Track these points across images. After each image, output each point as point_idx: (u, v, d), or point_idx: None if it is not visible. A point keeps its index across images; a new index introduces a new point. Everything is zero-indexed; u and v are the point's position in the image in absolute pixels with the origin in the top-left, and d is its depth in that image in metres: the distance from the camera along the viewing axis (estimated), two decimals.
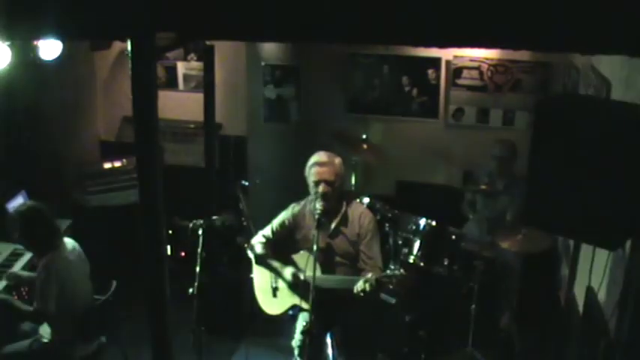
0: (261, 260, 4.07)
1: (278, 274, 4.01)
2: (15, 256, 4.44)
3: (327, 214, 3.85)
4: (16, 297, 4.08)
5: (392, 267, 4.55)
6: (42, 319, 3.92)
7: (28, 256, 4.39)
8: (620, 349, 2.65)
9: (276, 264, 4.02)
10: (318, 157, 3.88)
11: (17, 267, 4.31)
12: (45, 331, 3.95)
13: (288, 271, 3.93)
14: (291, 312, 4.06)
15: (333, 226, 3.92)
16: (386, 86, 5.85)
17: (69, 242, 3.93)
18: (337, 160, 3.87)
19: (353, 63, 5.86)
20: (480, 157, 5.27)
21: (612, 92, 3.59)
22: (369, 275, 3.71)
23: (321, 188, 3.79)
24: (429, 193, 5.83)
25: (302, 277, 3.87)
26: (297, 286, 3.90)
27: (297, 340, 3.98)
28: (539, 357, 4.59)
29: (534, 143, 2.29)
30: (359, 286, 3.64)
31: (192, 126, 6.17)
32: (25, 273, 4.20)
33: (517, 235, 4.18)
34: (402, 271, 3.91)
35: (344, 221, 3.92)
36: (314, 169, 3.84)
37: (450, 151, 5.81)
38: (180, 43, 4.50)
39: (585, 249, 3.90)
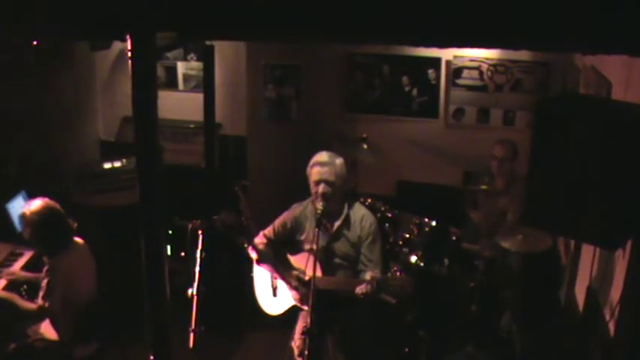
0: (262, 260, 4.07)
1: (280, 275, 4.00)
2: (14, 256, 4.44)
3: (329, 216, 3.84)
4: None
5: (392, 268, 4.55)
6: (44, 318, 3.92)
7: (27, 256, 4.38)
8: (620, 349, 2.65)
9: (277, 265, 4.02)
10: (319, 157, 3.88)
11: (17, 267, 4.30)
12: (45, 330, 3.95)
13: (291, 274, 3.93)
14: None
15: (335, 228, 3.91)
16: (386, 86, 5.86)
17: (79, 241, 3.93)
18: (338, 161, 3.86)
19: (353, 63, 5.86)
20: (479, 157, 5.27)
21: (612, 92, 3.59)
22: (370, 276, 3.71)
23: (321, 188, 3.79)
24: (429, 193, 5.83)
25: (306, 278, 3.86)
26: (301, 288, 3.90)
27: (296, 340, 3.98)
28: (539, 357, 4.59)
29: (534, 143, 2.29)
30: (361, 288, 3.64)
31: (192, 126, 6.17)
32: (23, 273, 4.19)
33: (517, 235, 4.18)
34: (402, 272, 3.91)
35: (346, 224, 3.91)
36: (314, 169, 3.84)
37: (450, 151, 5.80)
38: (180, 43, 4.51)
39: (585, 249, 3.91)
